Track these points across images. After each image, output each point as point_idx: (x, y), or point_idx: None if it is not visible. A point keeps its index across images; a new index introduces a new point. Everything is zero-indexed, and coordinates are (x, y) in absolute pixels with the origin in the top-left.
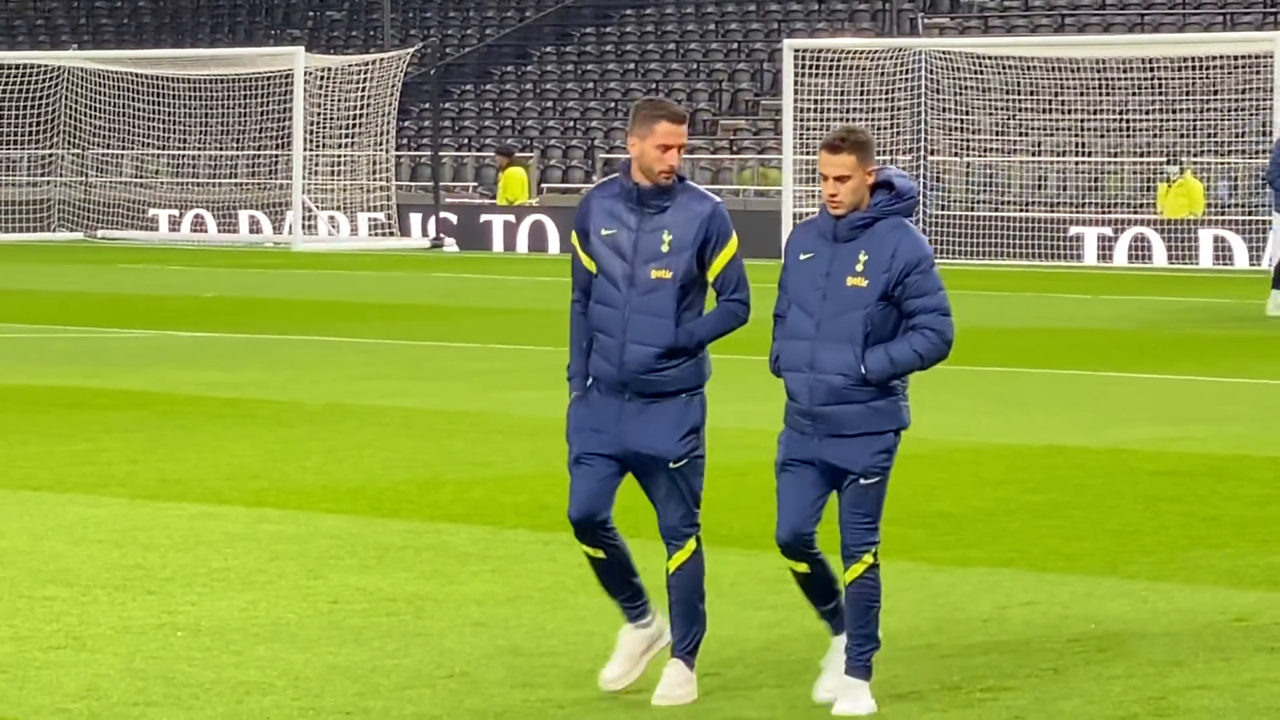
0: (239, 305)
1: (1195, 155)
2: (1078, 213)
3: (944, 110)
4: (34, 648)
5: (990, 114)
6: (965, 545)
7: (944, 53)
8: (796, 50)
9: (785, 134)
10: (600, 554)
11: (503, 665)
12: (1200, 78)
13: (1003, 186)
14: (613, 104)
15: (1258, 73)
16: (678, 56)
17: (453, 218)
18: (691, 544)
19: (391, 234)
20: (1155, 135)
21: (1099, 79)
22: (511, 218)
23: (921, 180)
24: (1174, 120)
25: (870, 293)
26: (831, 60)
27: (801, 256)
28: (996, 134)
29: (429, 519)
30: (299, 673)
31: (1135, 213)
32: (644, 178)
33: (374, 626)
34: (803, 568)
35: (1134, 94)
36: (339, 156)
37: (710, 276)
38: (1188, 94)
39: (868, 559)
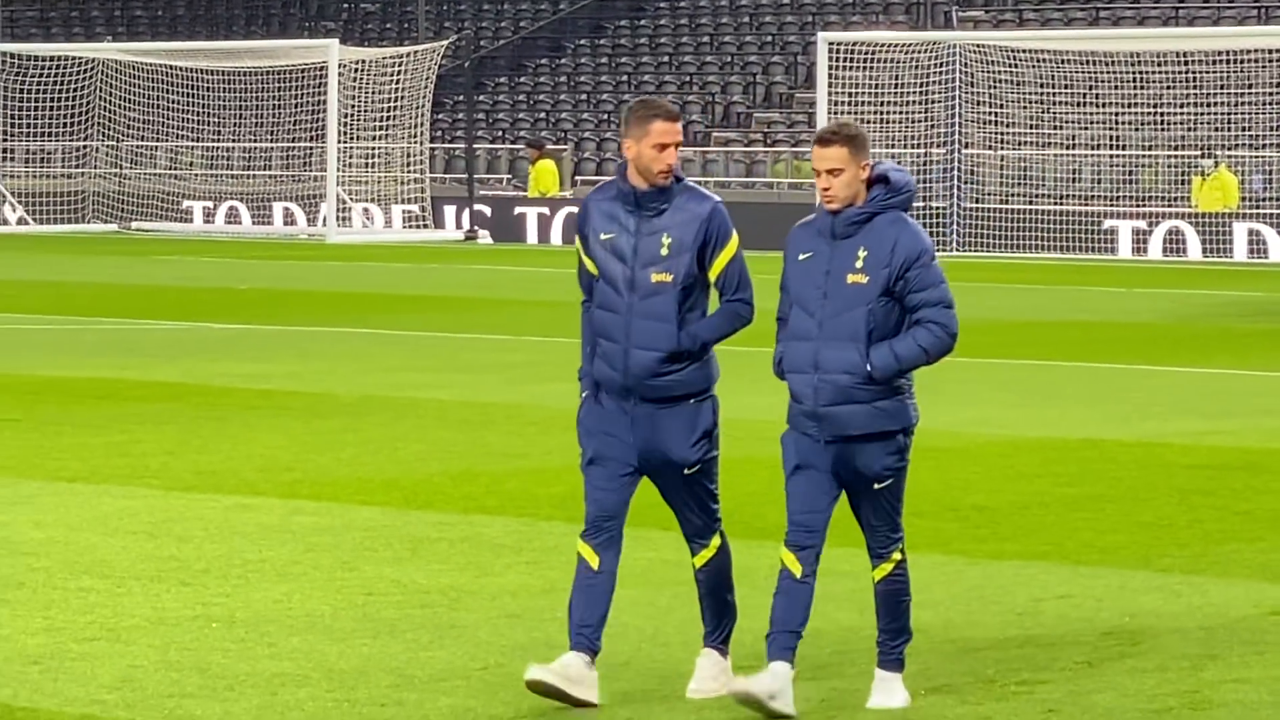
0: (273, 297)
1: (1230, 149)
2: (1112, 206)
3: (978, 103)
4: (69, 639)
5: (1025, 107)
6: (999, 538)
7: (978, 46)
8: (831, 43)
9: (819, 127)
10: (598, 560)
11: (537, 658)
12: (1235, 71)
13: (1037, 180)
14: (647, 96)
15: None
16: (712, 49)
17: (486, 210)
18: (716, 540)
19: (425, 226)
20: (1190, 129)
21: (1133, 72)
22: (545, 210)
23: (956, 174)
24: (1208, 114)
25: (871, 289)
26: (866, 53)
27: (800, 257)
28: (1031, 127)
29: (463, 511)
30: (333, 664)
31: (1170, 206)
32: (641, 180)
33: (408, 619)
34: (799, 570)
35: (1168, 87)
36: (373, 149)
37: (712, 277)
38: (1222, 87)
39: (895, 556)
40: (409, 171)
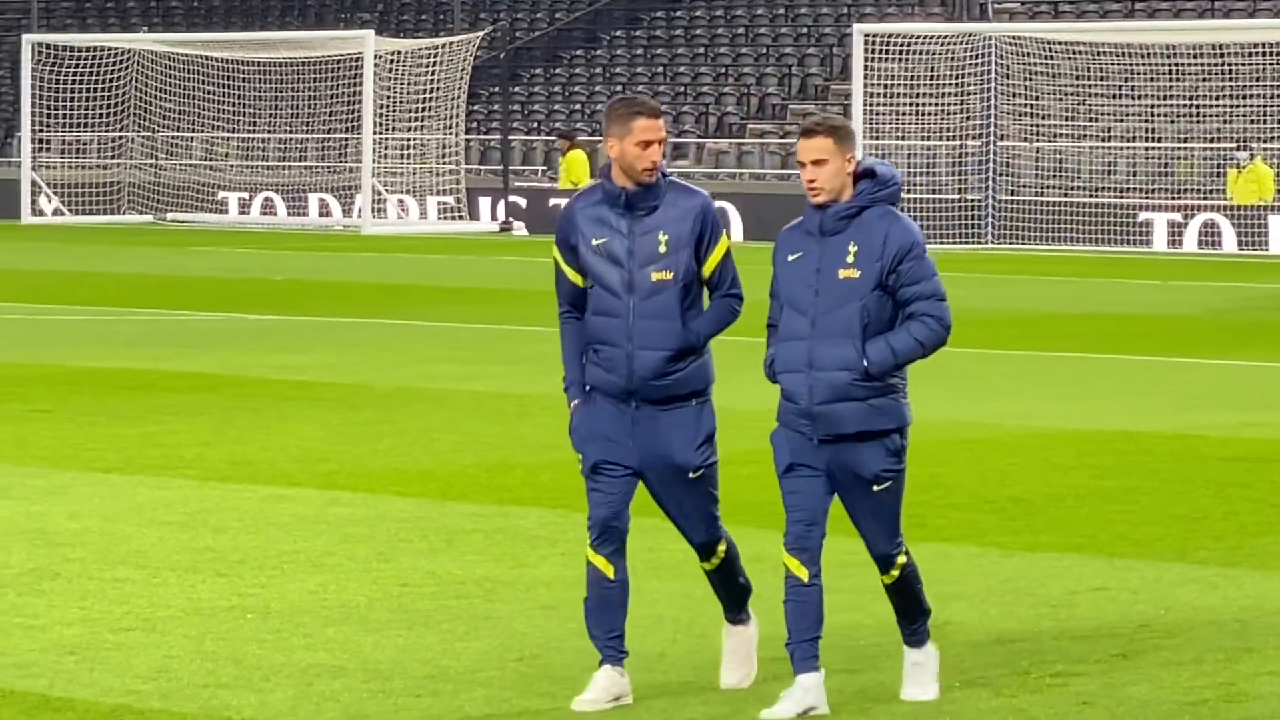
0: (308, 288)
1: (1265, 141)
2: (1147, 198)
3: (1013, 95)
4: (104, 629)
5: (1060, 99)
6: (1035, 530)
7: (1014, 38)
8: (866, 35)
9: (855, 119)
10: (612, 569)
11: (572, 649)
12: (1271, 64)
13: (1072, 172)
14: (682, 88)
15: None
16: (747, 41)
17: (521, 201)
18: (723, 547)
19: (460, 217)
20: (1225, 121)
21: (1169, 64)
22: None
23: (991, 166)
24: (1244, 106)
25: (864, 283)
26: (901, 45)
27: (790, 258)
28: (1066, 119)
29: (498, 502)
30: (369, 655)
31: (1205, 199)
32: (627, 179)
33: (443, 610)
34: (804, 574)
35: (1204, 80)
36: (408, 140)
37: (705, 272)
38: (1258, 80)
39: (901, 560)
40: (444, 163)
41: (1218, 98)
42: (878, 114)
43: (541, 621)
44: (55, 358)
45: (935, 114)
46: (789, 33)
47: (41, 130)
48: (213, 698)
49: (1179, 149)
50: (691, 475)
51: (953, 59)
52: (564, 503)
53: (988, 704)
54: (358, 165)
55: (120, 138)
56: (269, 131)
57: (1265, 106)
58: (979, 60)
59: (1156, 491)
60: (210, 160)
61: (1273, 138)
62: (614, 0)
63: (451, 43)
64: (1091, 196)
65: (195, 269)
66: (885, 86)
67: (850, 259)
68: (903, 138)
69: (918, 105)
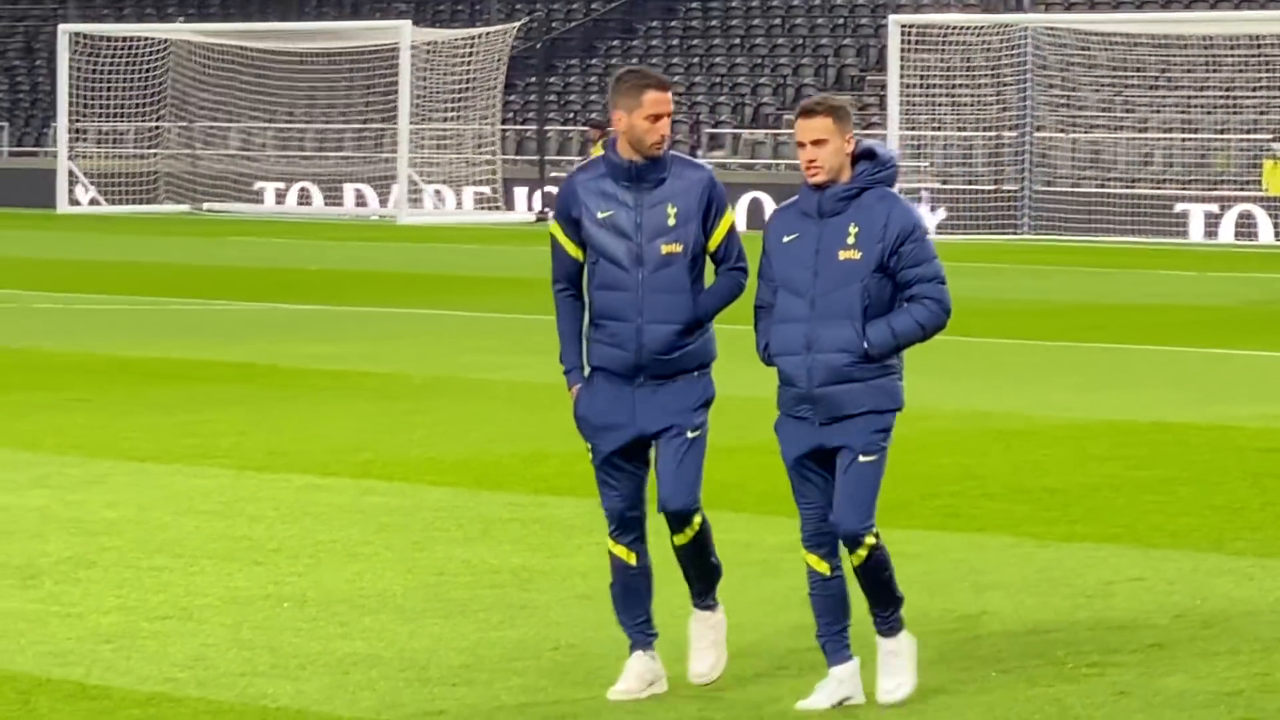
0: (344, 278)
1: None
2: (1183, 189)
3: (1050, 86)
4: (141, 618)
5: (1096, 90)
6: (1070, 521)
7: (1050, 28)
8: (903, 25)
9: (891, 110)
10: (634, 557)
11: (608, 638)
12: None
13: (1108, 163)
14: (718, 79)
15: None
16: (783, 31)
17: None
18: (698, 519)
19: (497, 208)
20: (1261, 112)
21: (1205, 55)
22: None
23: (1028, 157)
24: None
25: (865, 265)
26: (937, 36)
27: (785, 239)
28: (1102, 110)
29: (534, 492)
30: (405, 644)
31: (1241, 189)
32: (634, 152)
33: (479, 599)
34: (824, 568)
35: (1240, 70)
36: (445, 130)
37: (712, 245)
38: None
39: (869, 540)
40: (480, 153)
41: (1254, 89)
42: (914, 105)
43: (577, 611)
44: (92, 347)
45: (971, 105)
46: (825, 23)
47: (78, 120)
48: (249, 686)
49: (1215, 140)
50: (690, 435)
51: (989, 50)
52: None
53: (1023, 694)
54: (394, 155)
55: (157, 128)
56: (305, 122)
57: None
58: (1015, 51)
59: (1193, 482)
60: (247, 150)
61: None
62: None
63: (488, 33)
64: (1128, 187)
65: (231, 259)
66: (921, 77)
67: (851, 240)
68: (938, 128)
69: (954, 96)
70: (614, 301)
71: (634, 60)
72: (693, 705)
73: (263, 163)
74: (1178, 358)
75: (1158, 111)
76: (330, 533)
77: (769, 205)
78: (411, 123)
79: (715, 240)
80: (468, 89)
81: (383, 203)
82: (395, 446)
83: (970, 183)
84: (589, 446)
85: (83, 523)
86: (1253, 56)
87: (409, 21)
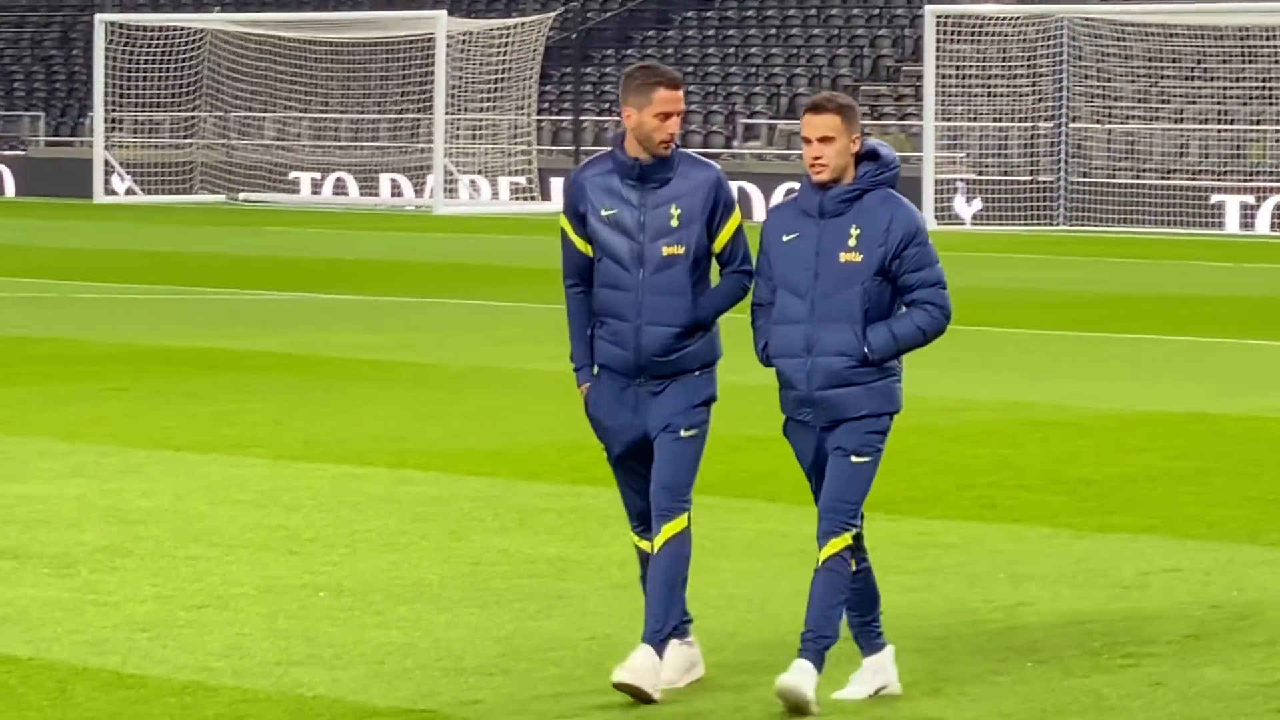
0: (380, 268)
1: None
2: (1220, 180)
3: (1086, 77)
4: (178, 607)
5: (1132, 81)
6: (1106, 511)
7: (1086, 19)
8: (939, 16)
9: (927, 100)
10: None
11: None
12: None
13: (1144, 154)
14: (753, 69)
15: None
16: (819, 22)
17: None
18: (683, 520)
19: (532, 198)
20: None
21: (1241, 46)
22: None
23: (1063, 148)
24: None
25: (866, 267)
26: (974, 26)
27: (784, 238)
28: (1138, 101)
29: (571, 482)
30: (441, 634)
31: (1277, 180)
32: (642, 150)
33: (515, 588)
34: (850, 564)
35: (1276, 61)
36: (480, 120)
37: (717, 247)
38: None
39: (845, 538)
40: (516, 143)
41: None
42: (949, 96)
43: (614, 601)
44: (129, 336)
45: (1007, 96)
46: (861, 14)
47: (114, 110)
48: (285, 675)
49: (1251, 131)
50: (683, 433)
51: (1025, 40)
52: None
53: (1059, 684)
54: (429, 145)
55: (193, 117)
56: (341, 112)
57: None
58: (1051, 42)
59: (1229, 473)
60: (282, 140)
61: None
62: None
63: (523, 23)
64: (1164, 178)
65: (267, 249)
66: (957, 68)
67: (852, 242)
68: (974, 119)
69: (990, 87)
70: (615, 300)
71: (669, 51)
72: (729, 695)
73: (298, 153)
74: (1214, 349)
75: (1193, 102)
76: (366, 522)
77: None
78: (447, 113)
79: (720, 242)
80: (503, 79)
81: (418, 193)
82: (432, 436)
83: (1006, 174)
84: (603, 445)
85: (119, 512)
86: None
87: (445, 11)
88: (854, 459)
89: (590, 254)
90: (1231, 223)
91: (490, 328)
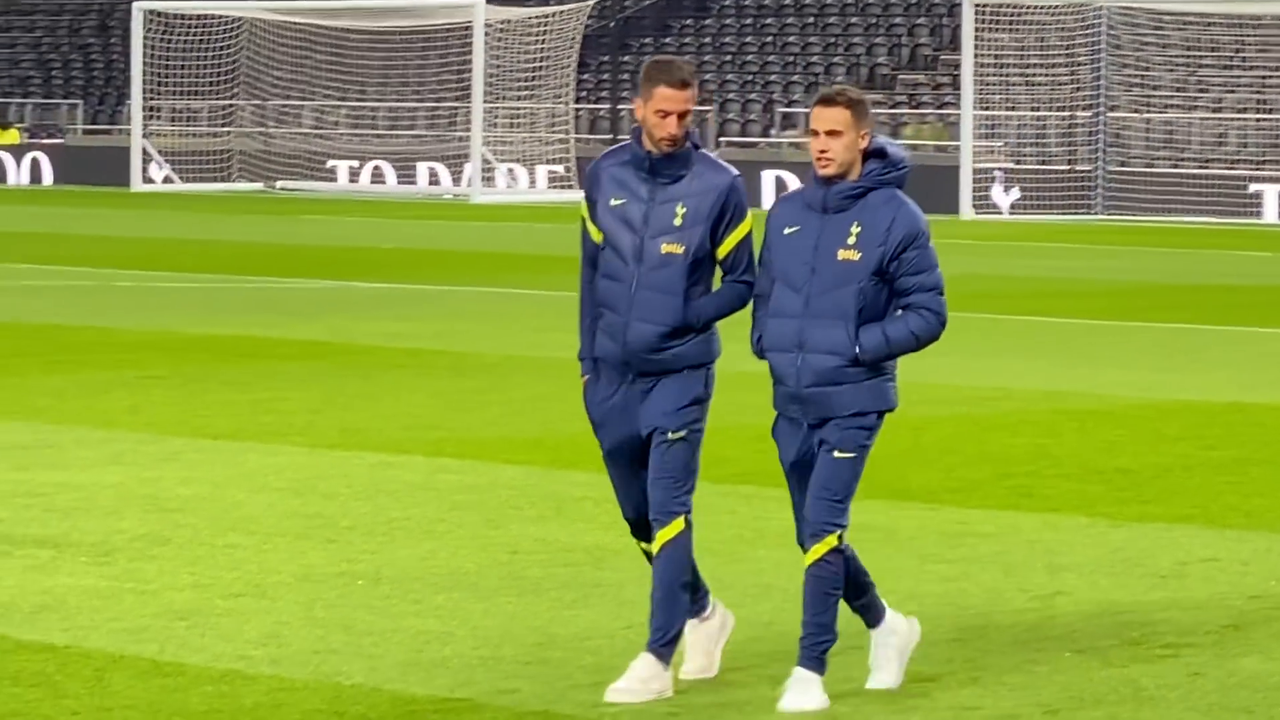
0: (417, 257)
1: None
2: (1258, 170)
3: (1124, 66)
4: (215, 595)
5: (1171, 70)
6: (1144, 501)
7: (1124, 8)
8: (977, 5)
9: (965, 89)
10: (656, 547)
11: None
12: None
13: (1182, 143)
14: (791, 58)
15: None
16: (856, 10)
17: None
18: (679, 523)
19: (570, 186)
20: None
21: None
22: None
23: (1101, 137)
24: None
25: (863, 267)
26: (1012, 15)
27: (786, 231)
28: (1177, 90)
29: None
30: (478, 622)
31: None
32: (653, 145)
33: (553, 577)
34: None
35: None
36: (518, 109)
37: (721, 254)
38: None
39: (831, 540)
40: (554, 132)
41: None
42: (988, 85)
43: (650, 590)
44: (167, 324)
45: (1045, 84)
46: (899, 2)
47: (152, 98)
48: (323, 663)
49: None
50: (670, 436)
51: (1063, 29)
52: None
53: (1098, 674)
54: (467, 134)
55: (230, 106)
56: (379, 100)
57: None
58: (1089, 30)
59: (1267, 463)
60: (320, 129)
61: None
62: None
63: (562, 11)
64: (1202, 168)
65: (305, 237)
66: (995, 57)
67: (852, 240)
68: (1012, 108)
69: (1028, 76)
70: (611, 292)
71: (706, 40)
72: (766, 686)
73: (336, 141)
74: (1251, 338)
75: (1232, 91)
76: (403, 510)
77: None
78: (485, 101)
79: (725, 248)
80: (541, 67)
81: (456, 181)
82: (469, 425)
83: (1044, 163)
84: (598, 440)
85: (157, 500)
86: None
87: (483, 0)
88: (837, 453)
89: (602, 243)
90: (1270, 212)
91: (527, 316)
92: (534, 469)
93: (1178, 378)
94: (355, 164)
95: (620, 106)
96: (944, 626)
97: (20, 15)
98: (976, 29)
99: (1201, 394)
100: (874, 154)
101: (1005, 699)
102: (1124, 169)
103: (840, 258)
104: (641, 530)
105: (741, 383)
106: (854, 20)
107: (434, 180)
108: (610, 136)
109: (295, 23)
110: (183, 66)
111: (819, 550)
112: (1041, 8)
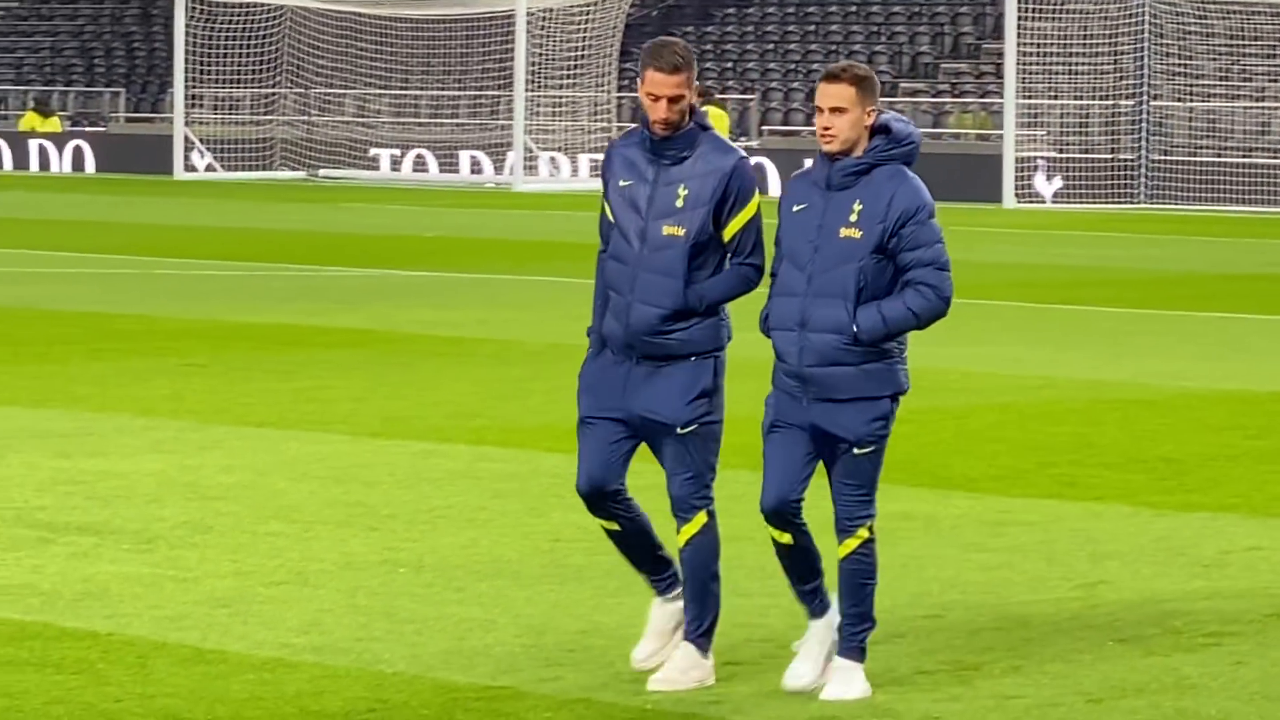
0: (460, 245)
1: None
2: None
3: (1167, 55)
4: (257, 583)
5: (1214, 59)
6: (1187, 490)
7: None
8: None
9: (1007, 78)
10: (615, 526)
11: (725, 605)
12: None
13: (1225, 132)
14: (834, 46)
15: None
16: None
17: None
18: (702, 517)
19: None
20: None
21: None
22: None
23: (1144, 126)
24: None
25: (864, 245)
26: (1055, 3)
27: (795, 209)
28: (1220, 79)
29: (650, 459)
30: (521, 610)
31: None
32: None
33: (595, 565)
34: (786, 538)
35: None
36: (560, 97)
37: (726, 236)
38: None
39: (863, 533)
40: (596, 120)
41: None
42: (1030, 73)
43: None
44: (209, 313)
45: (1088, 73)
46: None
47: (195, 86)
48: (365, 651)
49: None
50: (680, 431)
51: (1106, 18)
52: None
53: (1140, 662)
54: (509, 122)
55: (273, 94)
56: (421, 88)
57: None
58: (1132, 19)
59: None
60: (362, 117)
61: None
62: None
63: (604, 0)
64: (1245, 156)
65: (347, 225)
66: (1038, 45)
67: (853, 218)
68: (1055, 97)
69: (1070, 64)
70: (617, 273)
71: (749, 28)
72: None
73: (378, 129)
74: None
75: (1275, 80)
76: (446, 498)
77: None
78: (527, 90)
79: (729, 231)
80: (583, 56)
81: (498, 170)
82: (511, 413)
83: (1086, 151)
84: (578, 407)
85: (199, 488)
86: None
87: None
88: (856, 451)
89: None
90: None
91: (570, 304)
92: (576, 457)
93: (1221, 367)
94: (397, 152)
95: None
96: (986, 615)
97: (63, 4)
98: (1019, 17)
99: (1245, 383)
100: (879, 130)
101: (1047, 687)
102: (1167, 158)
103: (842, 235)
104: (595, 505)
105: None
106: (897, 9)
107: (476, 169)
108: None
109: (338, 10)
110: (225, 54)
111: (851, 544)
112: None
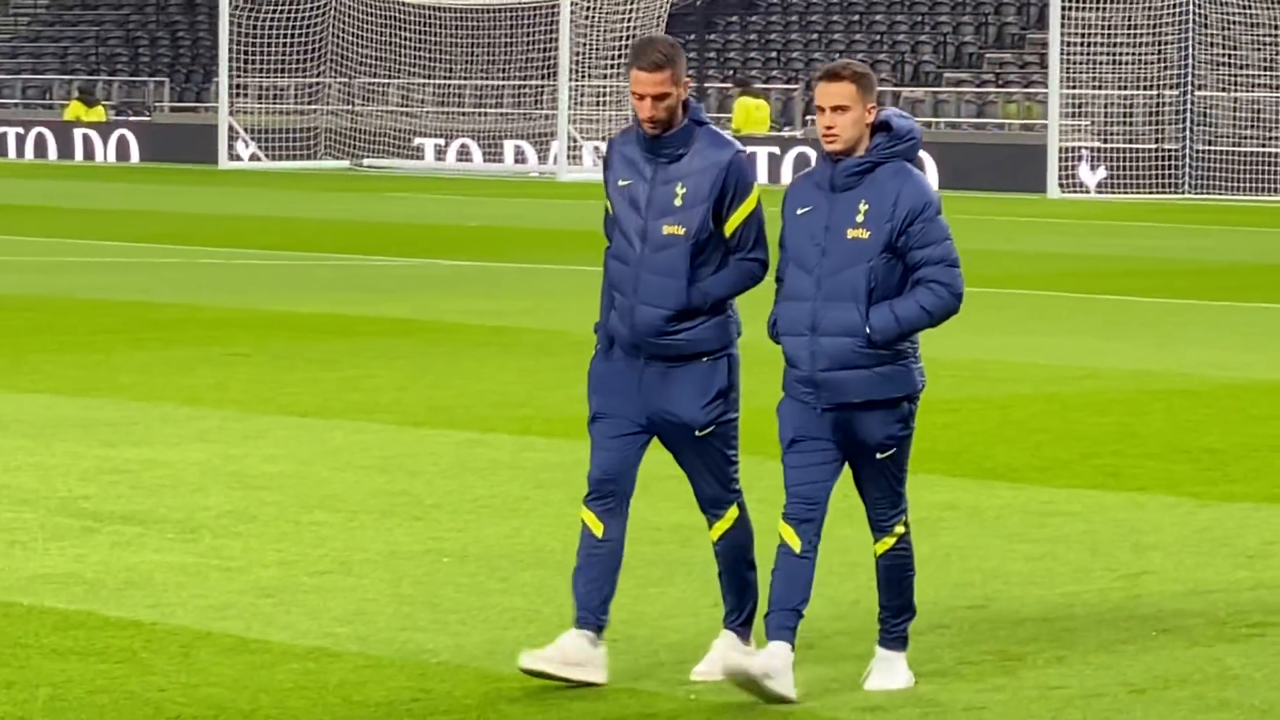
0: (504, 234)
1: None
2: None
3: (1211, 45)
4: (301, 572)
5: (1258, 49)
6: (1230, 481)
7: None
8: None
9: (1052, 68)
10: (601, 528)
11: (766, 596)
12: None
13: (1270, 122)
14: (878, 36)
15: None
16: None
17: None
18: (734, 511)
19: None
20: None
21: None
22: (776, 149)
23: (1189, 116)
24: None
25: (872, 245)
26: None
27: (799, 211)
28: (1264, 69)
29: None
30: (564, 600)
31: None
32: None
33: (638, 555)
34: (797, 544)
35: None
36: (604, 87)
37: (727, 231)
38: None
39: (898, 530)
40: None
41: None
42: (1074, 63)
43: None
44: (253, 302)
45: (1132, 63)
46: None
47: (239, 75)
48: (409, 641)
49: None
50: (699, 434)
51: (1150, 8)
52: (759, 450)
53: (1184, 653)
54: (553, 112)
55: (317, 83)
56: (465, 78)
57: None
58: (1176, 8)
59: None
60: (406, 106)
61: None
62: None
63: None
64: None
65: (391, 214)
66: (1082, 35)
67: (860, 218)
68: (1099, 87)
69: (1114, 54)
70: (619, 274)
71: (793, 19)
72: (851, 664)
73: (422, 119)
74: None
75: None
76: (490, 488)
77: (929, 164)
78: (571, 79)
79: (730, 226)
80: (627, 46)
81: (542, 159)
82: (555, 402)
83: (1131, 141)
84: (589, 406)
85: (243, 477)
86: None
87: None
88: (879, 455)
89: None
90: None
91: None
92: None
93: (1265, 357)
94: (441, 142)
95: (706, 85)
96: (1030, 605)
97: None
98: (1064, 7)
99: None
100: (880, 127)
101: (1091, 678)
102: (1211, 148)
103: (850, 237)
104: (598, 494)
105: None
106: None
107: (520, 158)
108: None
109: (381, 0)
110: (270, 44)
111: (888, 542)
112: None
